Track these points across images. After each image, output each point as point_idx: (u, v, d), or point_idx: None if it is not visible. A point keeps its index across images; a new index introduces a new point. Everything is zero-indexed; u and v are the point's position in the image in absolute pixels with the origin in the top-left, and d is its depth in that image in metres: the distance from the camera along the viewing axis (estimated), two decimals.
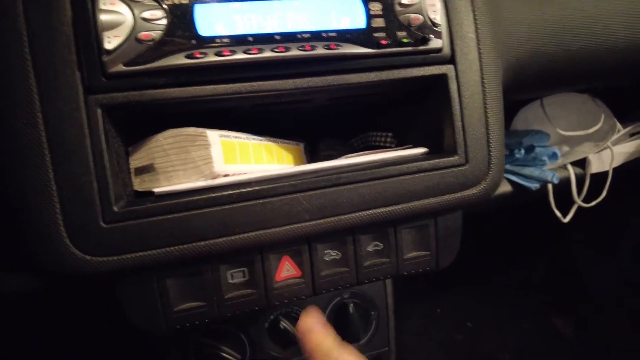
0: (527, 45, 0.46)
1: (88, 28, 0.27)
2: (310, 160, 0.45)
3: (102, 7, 0.27)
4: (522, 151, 0.71)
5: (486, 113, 0.38)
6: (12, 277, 0.38)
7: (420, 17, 0.33)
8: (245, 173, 0.32)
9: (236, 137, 0.33)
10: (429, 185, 0.35)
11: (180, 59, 0.28)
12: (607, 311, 0.92)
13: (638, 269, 0.94)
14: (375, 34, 0.32)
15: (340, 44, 0.31)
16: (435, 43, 0.34)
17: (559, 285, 1.01)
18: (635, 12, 0.51)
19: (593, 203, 0.72)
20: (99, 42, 0.27)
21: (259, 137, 0.36)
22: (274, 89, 0.31)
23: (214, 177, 0.30)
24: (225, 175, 0.31)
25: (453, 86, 0.36)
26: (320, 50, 0.31)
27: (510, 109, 0.73)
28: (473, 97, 0.37)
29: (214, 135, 0.30)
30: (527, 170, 0.69)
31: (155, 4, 0.28)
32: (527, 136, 0.71)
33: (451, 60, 0.35)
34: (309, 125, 0.49)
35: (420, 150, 0.38)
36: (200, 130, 0.30)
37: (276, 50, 0.30)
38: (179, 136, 0.31)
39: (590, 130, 0.70)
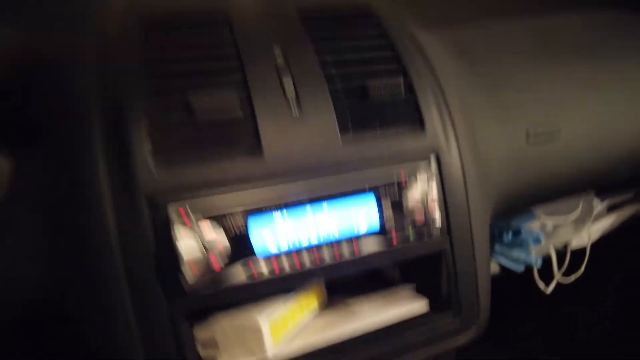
0: (514, 184, 0.54)
1: (169, 262, 0.36)
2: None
3: (181, 246, 0.35)
4: (510, 234, 0.80)
5: (476, 269, 0.47)
6: None
7: (424, 218, 0.42)
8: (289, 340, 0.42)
9: (279, 311, 0.42)
10: (425, 340, 0.44)
11: (242, 278, 0.37)
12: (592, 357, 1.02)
13: (621, 320, 1.03)
14: (388, 235, 0.41)
15: (361, 246, 0.40)
16: (435, 232, 0.43)
17: (549, 332, 1.10)
18: (610, 140, 0.59)
19: (572, 278, 0.82)
20: (178, 270, 0.36)
21: (292, 294, 0.45)
22: (307, 280, 0.40)
23: None
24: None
25: (448, 254, 0.45)
26: (346, 257, 0.40)
27: None
28: (465, 259, 0.46)
29: (265, 325, 0.39)
30: (514, 253, 0.79)
31: (222, 236, 0.36)
32: (514, 219, 0.80)
33: (448, 233, 0.44)
34: None
35: (421, 304, 0.46)
36: (253, 321, 0.39)
37: (314, 262, 0.39)
38: (235, 322, 0.40)
39: (570, 217, 0.80)
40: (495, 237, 0.79)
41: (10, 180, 0.39)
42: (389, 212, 0.41)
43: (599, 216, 0.86)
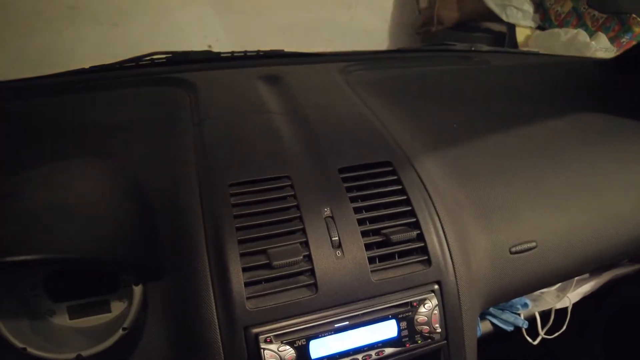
0: (498, 286, 0.71)
1: None
2: None
3: (266, 357, 0.53)
4: None
5: (466, 357, 0.64)
6: None
7: (428, 328, 0.59)
8: None
9: None
10: None
11: None
12: None
13: (607, 352, 1.19)
14: (403, 341, 0.58)
15: (384, 350, 0.57)
16: (437, 336, 0.60)
17: None
18: (578, 246, 0.75)
19: (555, 335, 0.98)
20: None
21: None
22: None
23: None
24: None
25: (445, 350, 0.62)
26: (373, 357, 0.57)
27: None
28: (457, 351, 0.62)
29: None
30: (505, 316, 0.95)
31: (290, 349, 0.54)
32: None
33: (445, 338, 0.61)
34: None
35: None
36: None
37: None
38: None
39: (555, 285, 0.96)
40: None
41: (142, 303, 0.57)
42: (404, 326, 0.58)
43: (581, 281, 1.02)
